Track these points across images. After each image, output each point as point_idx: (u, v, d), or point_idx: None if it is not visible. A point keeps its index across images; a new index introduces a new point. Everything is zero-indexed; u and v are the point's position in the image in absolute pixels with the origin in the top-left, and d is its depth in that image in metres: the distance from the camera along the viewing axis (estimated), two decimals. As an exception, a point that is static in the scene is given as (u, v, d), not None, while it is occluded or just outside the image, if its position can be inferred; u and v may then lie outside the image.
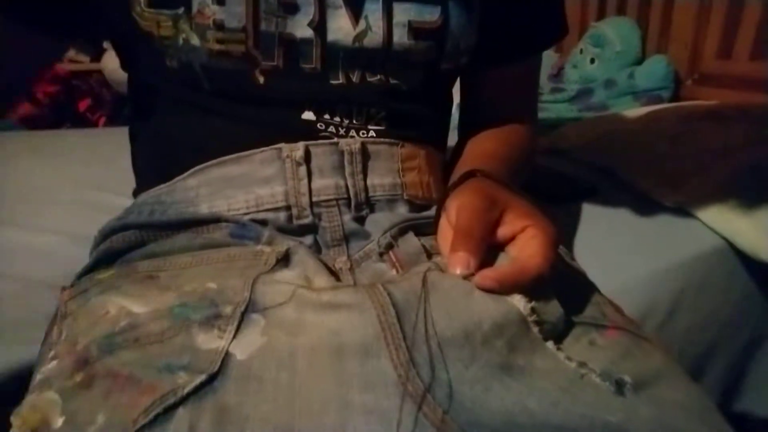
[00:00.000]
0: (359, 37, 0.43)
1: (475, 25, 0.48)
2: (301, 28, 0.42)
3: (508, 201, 0.38)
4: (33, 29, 0.42)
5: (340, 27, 0.43)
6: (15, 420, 0.30)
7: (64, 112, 1.80)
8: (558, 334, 0.36)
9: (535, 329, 0.34)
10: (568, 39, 1.57)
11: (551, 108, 1.26)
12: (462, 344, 0.32)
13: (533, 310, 0.34)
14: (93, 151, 0.92)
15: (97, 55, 1.90)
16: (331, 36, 0.43)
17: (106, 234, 0.45)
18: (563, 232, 0.58)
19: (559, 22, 0.57)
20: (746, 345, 0.79)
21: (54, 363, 0.34)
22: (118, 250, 0.43)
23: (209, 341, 0.32)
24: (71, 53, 1.90)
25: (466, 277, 0.35)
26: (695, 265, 0.71)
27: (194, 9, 0.40)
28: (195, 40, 0.41)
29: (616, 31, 1.30)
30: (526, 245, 0.36)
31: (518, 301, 0.35)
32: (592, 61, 1.32)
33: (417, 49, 0.45)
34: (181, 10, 0.40)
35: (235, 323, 0.33)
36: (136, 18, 0.41)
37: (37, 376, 0.34)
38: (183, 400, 0.29)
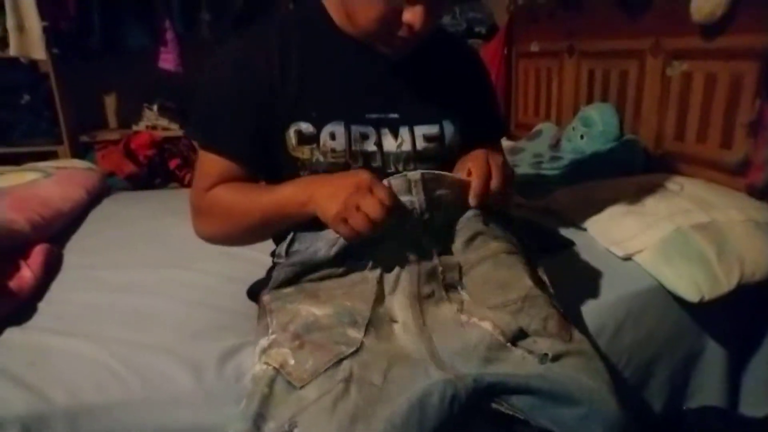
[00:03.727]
0: (398, 146, 0.79)
1: (458, 131, 0.84)
2: (370, 146, 0.78)
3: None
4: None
5: (389, 143, 0.79)
6: (265, 359, 0.65)
7: (157, 170, 2.22)
8: (516, 338, 0.69)
9: (502, 339, 0.68)
10: (566, 116, 1.92)
11: (550, 176, 1.59)
12: (460, 353, 0.67)
13: (501, 332, 0.68)
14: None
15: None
16: (385, 149, 0.79)
17: (276, 270, 0.80)
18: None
19: (499, 126, 1.00)
20: (685, 357, 1.10)
21: (273, 337, 0.68)
22: (287, 278, 0.78)
23: (353, 333, 0.67)
24: (164, 122, 2.35)
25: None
26: (635, 298, 1.04)
27: (321, 144, 0.76)
28: (321, 159, 0.77)
29: (600, 114, 1.62)
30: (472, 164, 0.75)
31: (492, 328, 0.68)
32: (582, 137, 1.66)
33: (429, 148, 0.81)
34: (314, 145, 0.76)
35: (363, 328, 0.68)
36: (289, 150, 0.77)
37: (262, 345, 0.68)
38: (345, 358, 0.64)
